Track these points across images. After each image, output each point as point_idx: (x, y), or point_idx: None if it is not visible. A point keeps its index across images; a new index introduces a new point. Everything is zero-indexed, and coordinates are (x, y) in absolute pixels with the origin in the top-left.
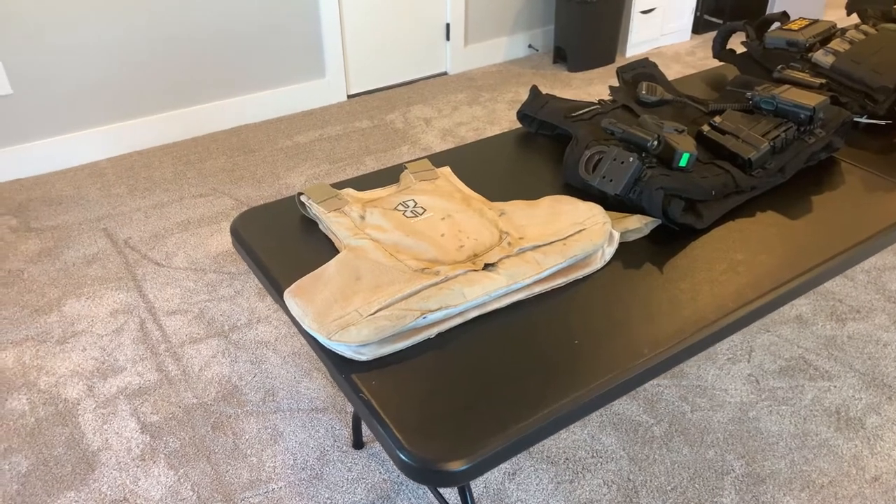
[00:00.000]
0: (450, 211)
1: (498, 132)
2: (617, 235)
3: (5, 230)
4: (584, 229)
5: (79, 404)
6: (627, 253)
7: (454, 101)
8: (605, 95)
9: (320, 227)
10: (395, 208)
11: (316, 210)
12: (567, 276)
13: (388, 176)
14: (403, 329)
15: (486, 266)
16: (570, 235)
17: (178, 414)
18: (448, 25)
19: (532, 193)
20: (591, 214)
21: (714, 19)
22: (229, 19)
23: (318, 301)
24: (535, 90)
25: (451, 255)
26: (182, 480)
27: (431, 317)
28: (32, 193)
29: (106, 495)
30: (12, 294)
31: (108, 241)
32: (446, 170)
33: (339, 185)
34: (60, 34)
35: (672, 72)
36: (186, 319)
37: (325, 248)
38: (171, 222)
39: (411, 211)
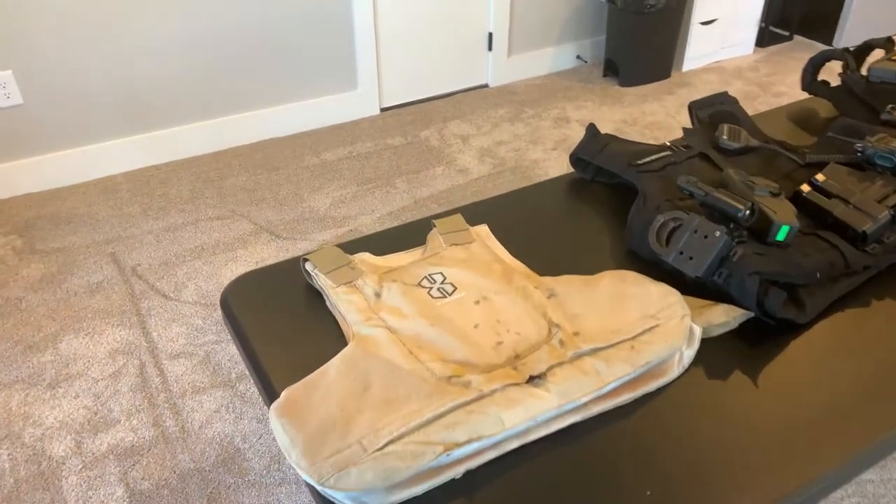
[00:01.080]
0: (486, 291)
1: (541, 153)
2: (698, 333)
3: (9, 252)
4: (657, 325)
5: (64, 464)
6: (708, 353)
7: (495, 117)
8: (661, 114)
9: (327, 302)
10: (420, 283)
11: (322, 282)
12: (634, 391)
13: (415, 233)
14: (420, 470)
15: (532, 378)
16: (639, 334)
17: (171, 481)
18: (491, 35)
19: (588, 262)
20: (666, 304)
21: (780, 31)
22: (255, 27)
23: (312, 424)
24: (592, 129)
25: (487, 356)
26: None
27: (458, 452)
28: (42, 210)
29: None
30: (7, 326)
31: (114, 267)
32: (483, 230)
33: (353, 247)
34: (74, 43)
35: (734, 89)
36: (191, 364)
37: (332, 332)
38: (183, 248)
39: (438, 289)
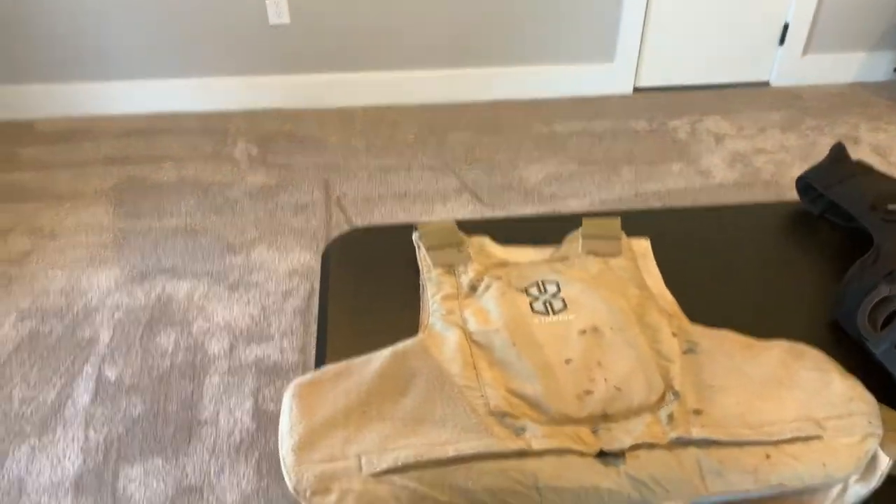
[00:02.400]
0: (602, 320)
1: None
2: (885, 465)
3: (244, 157)
4: (819, 436)
5: (213, 363)
6: (891, 499)
7: (764, 121)
8: None
9: (421, 281)
10: (526, 289)
11: (423, 258)
12: None
13: (563, 230)
14: None
15: (605, 454)
16: (786, 440)
17: None
18: (786, 26)
19: (769, 321)
20: (846, 410)
21: None
22: None
23: (320, 415)
24: (837, 151)
25: (565, 404)
26: (260, 494)
27: None
28: (283, 126)
29: (188, 477)
30: (219, 223)
31: (323, 193)
32: (642, 245)
33: (478, 228)
34: None
35: None
36: None
37: (413, 317)
38: (389, 190)
39: (545, 302)
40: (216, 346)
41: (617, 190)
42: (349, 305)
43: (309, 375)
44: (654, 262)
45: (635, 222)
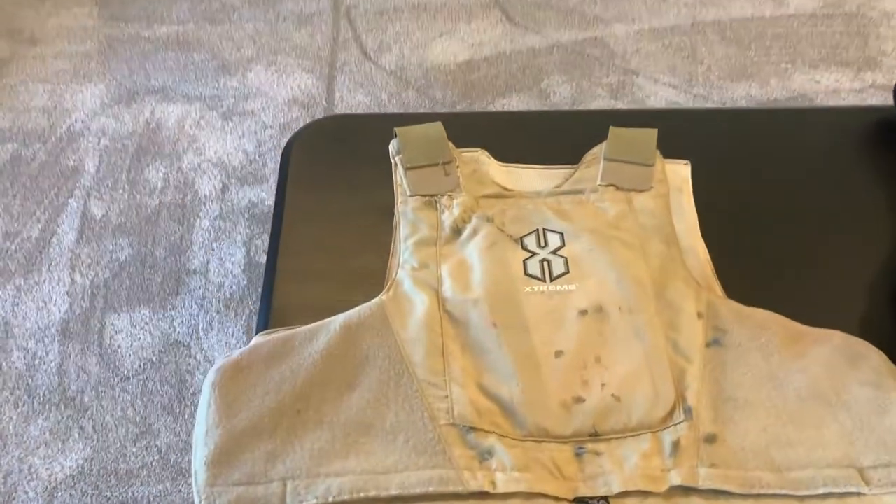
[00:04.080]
0: (608, 299)
1: None
2: None
3: None
4: (860, 493)
5: (204, 204)
6: None
7: None
8: None
9: (395, 208)
10: (522, 240)
11: (400, 180)
12: None
13: (584, 136)
14: None
15: (584, 502)
16: (819, 497)
17: None
18: None
19: (829, 290)
20: None
21: None
22: None
23: (243, 418)
24: None
25: (546, 414)
26: None
27: None
28: None
29: (176, 330)
30: (213, 35)
31: (331, 2)
32: (679, 173)
33: (479, 125)
34: None
35: None
36: None
37: (380, 261)
38: (406, 1)
39: (542, 262)
40: (207, 186)
41: (671, 16)
42: (309, 231)
43: (237, 354)
44: (690, 199)
45: (674, 128)
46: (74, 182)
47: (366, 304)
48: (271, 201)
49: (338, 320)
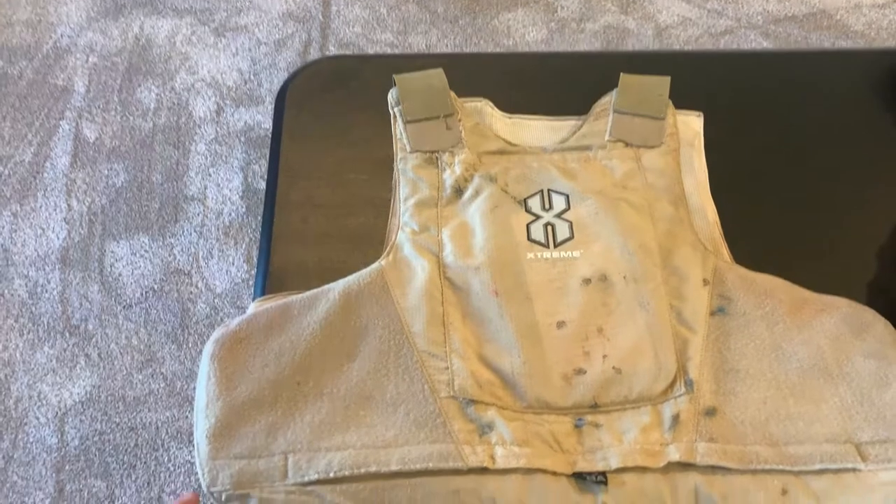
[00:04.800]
0: (613, 267)
1: None
2: None
3: None
4: (855, 468)
5: (200, 127)
6: None
7: None
8: None
9: (394, 164)
10: (525, 202)
11: (399, 134)
12: None
13: (593, 79)
14: None
15: (582, 476)
16: (813, 472)
17: None
18: None
19: (844, 245)
20: None
21: None
22: None
23: (243, 390)
24: None
25: (547, 386)
26: (249, 284)
27: None
28: None
29: (176, 258)
30: None
31: None
32: (691, 126)
33: (483, 68)
34: None
35: None
36: None
37: (380, 222)
38: None
39: (546, 226)
40: (202, 108)
41: None
42: (306, 187)
43: (234, 324)
44: (702, 155)
45: (686, 74)
46: (65, 103)
47: (365, 270)
48: (267, 124)
49: (337, 288)
